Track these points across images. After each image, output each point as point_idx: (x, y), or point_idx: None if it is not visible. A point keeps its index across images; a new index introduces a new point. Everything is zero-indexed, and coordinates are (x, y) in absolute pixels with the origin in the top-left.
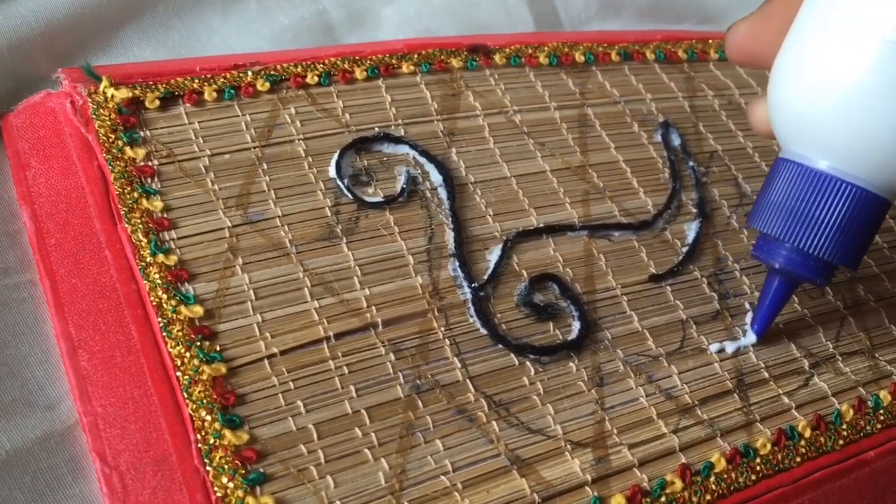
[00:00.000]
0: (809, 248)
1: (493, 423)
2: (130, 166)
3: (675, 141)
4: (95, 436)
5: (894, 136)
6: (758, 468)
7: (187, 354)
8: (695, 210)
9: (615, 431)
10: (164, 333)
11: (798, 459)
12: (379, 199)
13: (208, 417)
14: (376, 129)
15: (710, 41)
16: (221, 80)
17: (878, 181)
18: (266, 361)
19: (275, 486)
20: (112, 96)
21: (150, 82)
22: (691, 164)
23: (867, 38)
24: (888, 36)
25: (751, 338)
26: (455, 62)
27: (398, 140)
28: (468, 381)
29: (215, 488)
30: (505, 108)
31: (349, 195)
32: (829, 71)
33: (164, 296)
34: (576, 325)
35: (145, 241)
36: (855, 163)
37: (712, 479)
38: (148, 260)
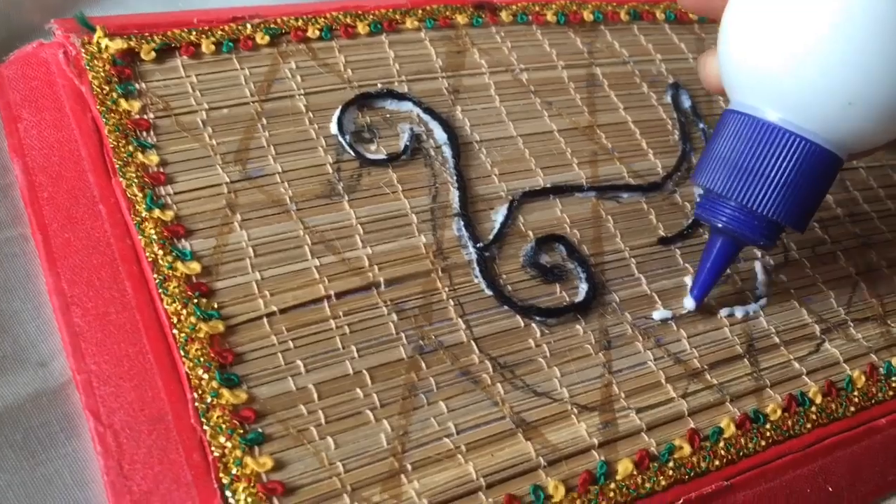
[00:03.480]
0: (755, 206)
1: (498, 385)
2: (125, 119)
3: (686, 103)
4: (89, 394)
5: (850, 88)
6: (767, 434)
7: (184, 311)
8: None
9: (623, 395)
10: (160, 290)
11: (808, 426)
12: (382, 156)
13: (205, 376)
14: (379, 85)
15: None
16: (220, 32)
17: (832, 135)
18: (265, 320)
19: (274, 447)
20: (106, 47)
21: (146, 34)
22: (702, 126)
23: None
24: None
25: (689, 304)
26: (460, 18)
27: (402, 97)
28: (472, 342)
29: (212, 448)
30: (511, 66)
31: (351, 152)
32: (783, 18)
33: (160, 252)
34: (583, 288)
35: (140, 195)
36: (808, 115)
37: (721, 444)
38: (143, 215)
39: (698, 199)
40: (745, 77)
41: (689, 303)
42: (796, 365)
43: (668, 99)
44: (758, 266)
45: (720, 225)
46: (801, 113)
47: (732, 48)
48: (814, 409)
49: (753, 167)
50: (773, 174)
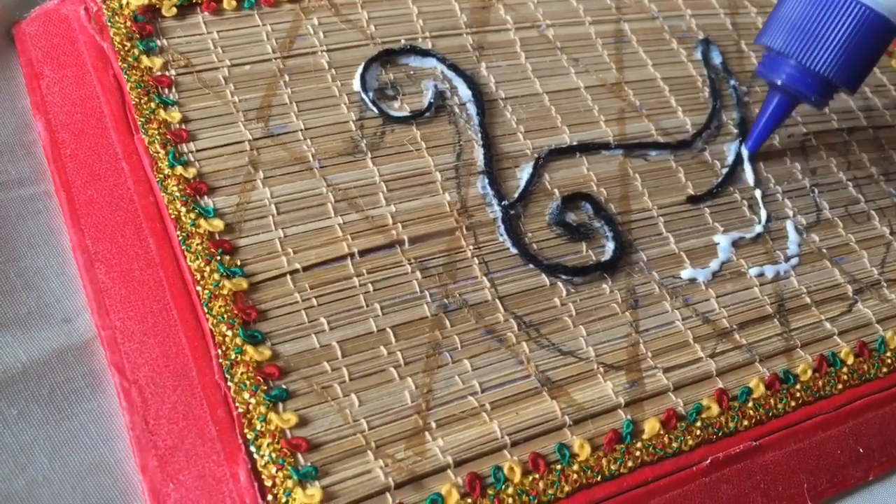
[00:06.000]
0: (811, 64)
1: (523, 343)
2: (147, 76)
3: (716, 59)
4: (114, 349)
5: None
6: (797, 395)
7: (207, 269)
8: (735, 130)
9: (650, 355)
10: (184, 247)
11: (840, 386)
12: (405, 113)
13: (229, 333)
14: (403, 41)
15: None
16: None
17: (888, 3)
18: (288, 277)
19: (298, 403)
20: (127, 3)
21: None
22: (732, 82)
23: None
24: None
25: (745, 153)
26: None
27: (426, 53)
28: (497, 300)
29: (237, 404)
30: (537, 21)
31: (374, 109)
32: None
33: (183, 209)
34: (610, 246)
35: (163, 152)
36: None
37: (750, 404)
38: (166, 172)
39: (761, 59)
40: None
41: (744, 152)
42: (828, 325)
43: (698, 55)
44: (789, 225)
45: (779, 82)
46: None
47: None
48: (845, 369)
49: (814, 29)
50: (831, 35)
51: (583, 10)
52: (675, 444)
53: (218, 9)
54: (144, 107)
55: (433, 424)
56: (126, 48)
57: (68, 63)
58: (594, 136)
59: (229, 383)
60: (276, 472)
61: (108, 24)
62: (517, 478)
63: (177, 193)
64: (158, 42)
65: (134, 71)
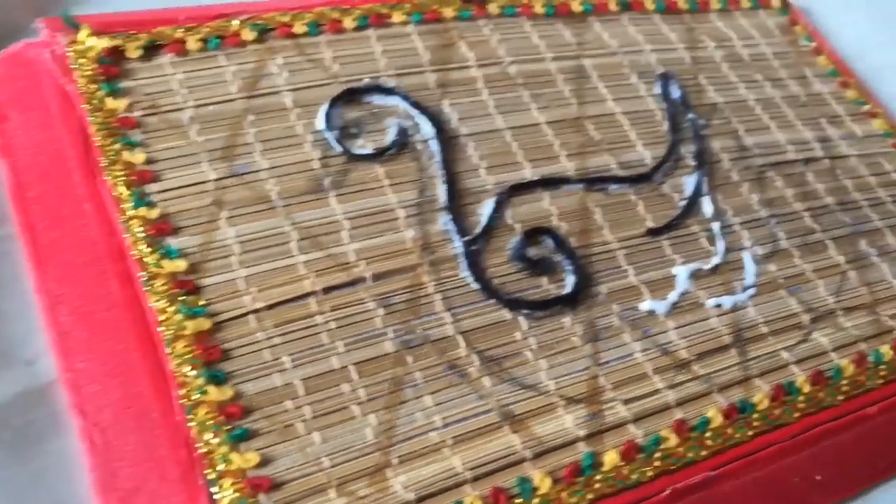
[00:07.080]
0: None
1: (485, 378)
2: (111, 118)
3: (675, 93)
4: (76, 391)
5: None
6: (755, 424)
7: (170, 309)
8: (694, 163)
9: (609, 387)
10: (147, 288)
11: (796, 415)
12: (368, 151)
13: (192, 373)
14: (366, 80)
15: None
16: (206, 29)
17: None
18: (251, 316)
19: (260, 443)
20: (92, 46)
21: (132, 32)
22: (691, 116)
23: None
24: None
25: None
26: (448, 12)
27: (389, 91)
28: (459, 336)
29: (199, 444)
30: (499, 59)
31: (338, 147)
32: None
33: (147, 249)
34: (570, 280)
35: (127, 193)
36: None
37: (708, 434)
38: (130, 213)
39: None
40: None
41: None
42: (784, 354)
43: (658, 90)
44: (746, 256)
45: None
46: None
47: None
48: (802, 398)
49: None
50: None
51: (544, 46)
52: (634, 476)
53: (183, 50)
54: (108, 148)
55: (395, 461)
56: (91, 90)
57: (33, 106)
58: (555, 170)
59: (191, 423)
60: None
61: (73, 66)
62: None
63: (140, 234)
64: (123, 84)
65: (98, 113)
